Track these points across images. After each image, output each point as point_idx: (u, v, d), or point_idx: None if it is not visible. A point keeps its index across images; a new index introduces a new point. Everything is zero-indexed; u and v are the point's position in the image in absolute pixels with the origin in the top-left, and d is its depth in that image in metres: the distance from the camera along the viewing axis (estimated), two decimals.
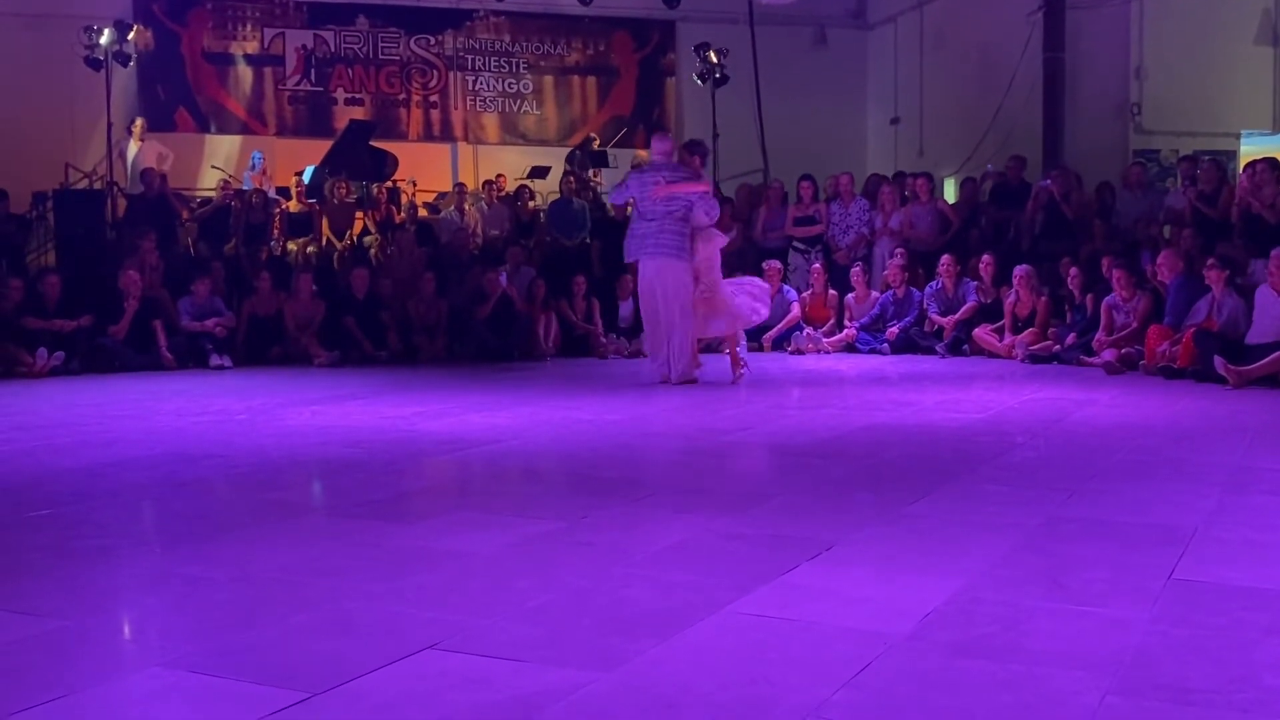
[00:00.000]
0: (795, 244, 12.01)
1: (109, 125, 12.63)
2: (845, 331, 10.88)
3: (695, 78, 14.54)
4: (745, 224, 12.32)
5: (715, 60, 14.09)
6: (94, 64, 12.62)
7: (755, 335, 11.05)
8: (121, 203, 12.35)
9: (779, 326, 11.01)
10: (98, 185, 13.07)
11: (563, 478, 4.58)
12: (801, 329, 10.92)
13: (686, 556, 3.19)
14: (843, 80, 16.73)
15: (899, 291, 10.78)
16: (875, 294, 11.04)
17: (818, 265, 11.35)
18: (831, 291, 11.20)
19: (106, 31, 12.62)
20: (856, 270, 11.09)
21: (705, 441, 5.39)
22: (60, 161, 13.20)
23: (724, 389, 7.98)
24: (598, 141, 14.97)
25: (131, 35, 12.94)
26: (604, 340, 10.83)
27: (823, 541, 3.28)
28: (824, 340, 10.79)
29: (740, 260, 11.98)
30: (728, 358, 8.38)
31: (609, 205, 13.22)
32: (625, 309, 11.17)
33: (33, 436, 5.79)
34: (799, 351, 10.67)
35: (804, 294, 11.30)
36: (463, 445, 5.33)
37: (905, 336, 10.53)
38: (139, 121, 13.34)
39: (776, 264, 11.31)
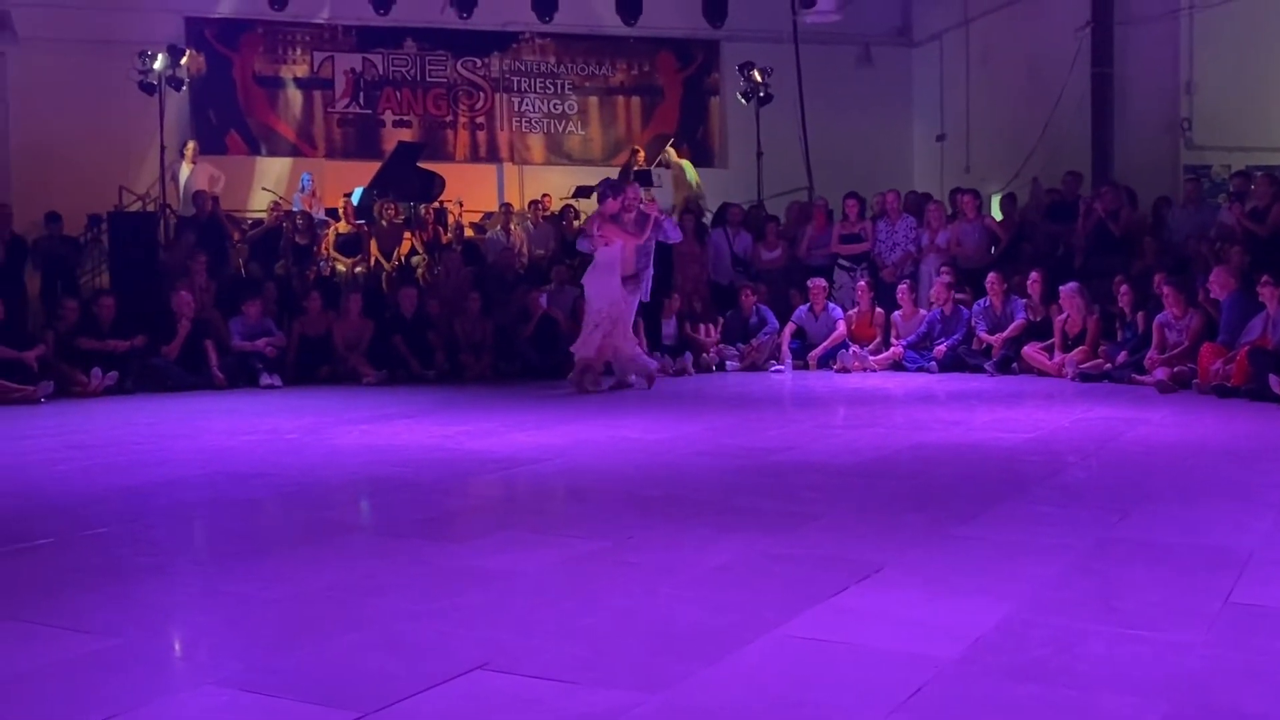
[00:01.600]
0: (841, 262, 11.96)
1: (162, 148, 12.86)
2: (892, 349, 10.80)
3: (739, 97, 14.55)
4: (790, 242, 12.28)
5: (759, 79, 14.09)
6: (147, 88, 12.87)
7: (801, 354, 11.02)
8: (174, 224, 12.55)
9: (825, 345, 10.95)
10: (151, 207, 13.30)
11: (608, 497, 4.58)
12: (847, 347, 10.85)
13: (734, 577, 3.17)
14: (888, 97, 16.66)
15: (946, 309, 10.69)
16: (922, 312, 10.95)
17: (863, 283, 11.28)
18: (878, 309, 11.12)
19: (160, 57, 12.87)
20: (903, 288, 11.01)
21: (751, 460, 5.36)
22: (114, 184, 13.44)
23: (767, 407, 7.96)
24: (642, 155, 14.94)
25: (184, 60, 13.21)
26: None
27: (872, 563, 3.25)
28: (870, 358, 10.72)
29: (786, 278, 11.97)
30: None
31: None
32: (668, 328, 11.16)
33: (87, 455, 5.89)
34: (845, 370, 10.61)
35: (850, 312, 11.23)
36: (509, 464, 5.35)
37: (953, 354, 10.43)
38: (191, 144, 13.56)
39: (822, 282, 11.27)
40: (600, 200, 8.98)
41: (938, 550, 3.45)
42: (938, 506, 4.20)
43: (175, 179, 13.21)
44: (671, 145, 15.18)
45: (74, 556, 3.55)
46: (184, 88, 13.49)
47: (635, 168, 14.63)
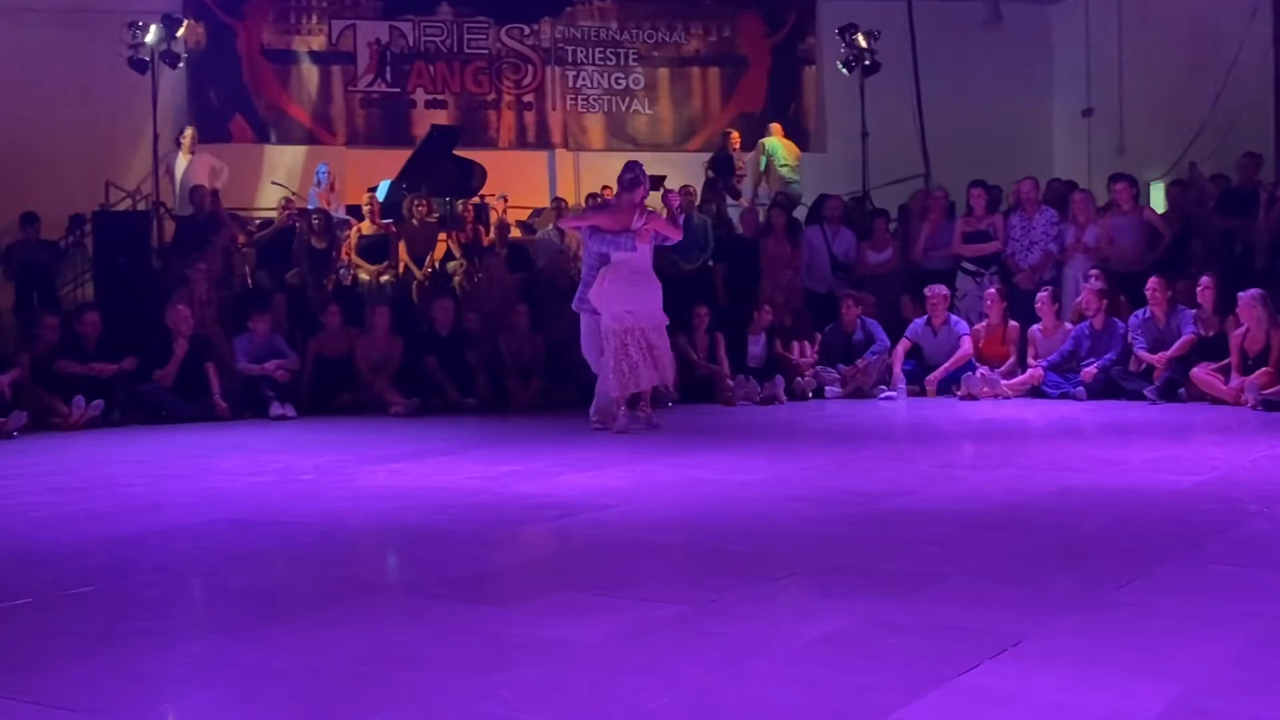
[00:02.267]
0: (965, 265, 11.86)
1: (155, 136, 13.17)
2: (1029, 372, 10.68)
3: (840, 66, 14.53)
4: (903, 242, 12.21)
5: (865, 44, 14.06)
6: (138, 65, 13.18)
7: (917, 377, 10.94)
8: (169, 226, 12.83)
9: (946, 366, 10.86)
10: (142, 206, 13.62)
11: (685, 552, 4.58)
12: (974, 369, 10.75)
13: (838, 651, 3.15)
14: (1022, 65, 16.51)
15: (1096, 322, 10.54)
16: (1067, 325, 10.82)
17: (993, 290, 11.17)
18: (1011, 323, 11.01)
19: (152, 28, 13.14)
20: (1043, 296, 10.89)
21: (857, 508, 5.33)
22: (99, 179, 13.78)
23: (876, 443, 7.90)
24: (738, 139, 14.92)
25: (181, 31, 13.50)
26: (731, 383, 10.82)
27: (1008, 635, 3.21)
28: (1002, 383, 10.60)
29: (898, 286, 11.90)
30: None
31: (736, 221, 13.28)
32: (756, 346, 11.15)
33: (69, 500, 6.02)
34: (971, 397, 10.51)
35: (976, 326, 11.13)
36: (564, 511, 5.37)
37: (1105, 378, 10.29)
38: (189, 131, 13.87)
39: (942, 290, 11.18)
40: (632, 186, 8.82)
41: (1090, 620, 3.41)
42: (1089, 566, 4.14)
43: (170, 172, 13.51)
44: (776, 126, 15.10)
45: (56, 620, 3.64)
46: (181, 64, 13.79)
47: (732, 151, 14.62)
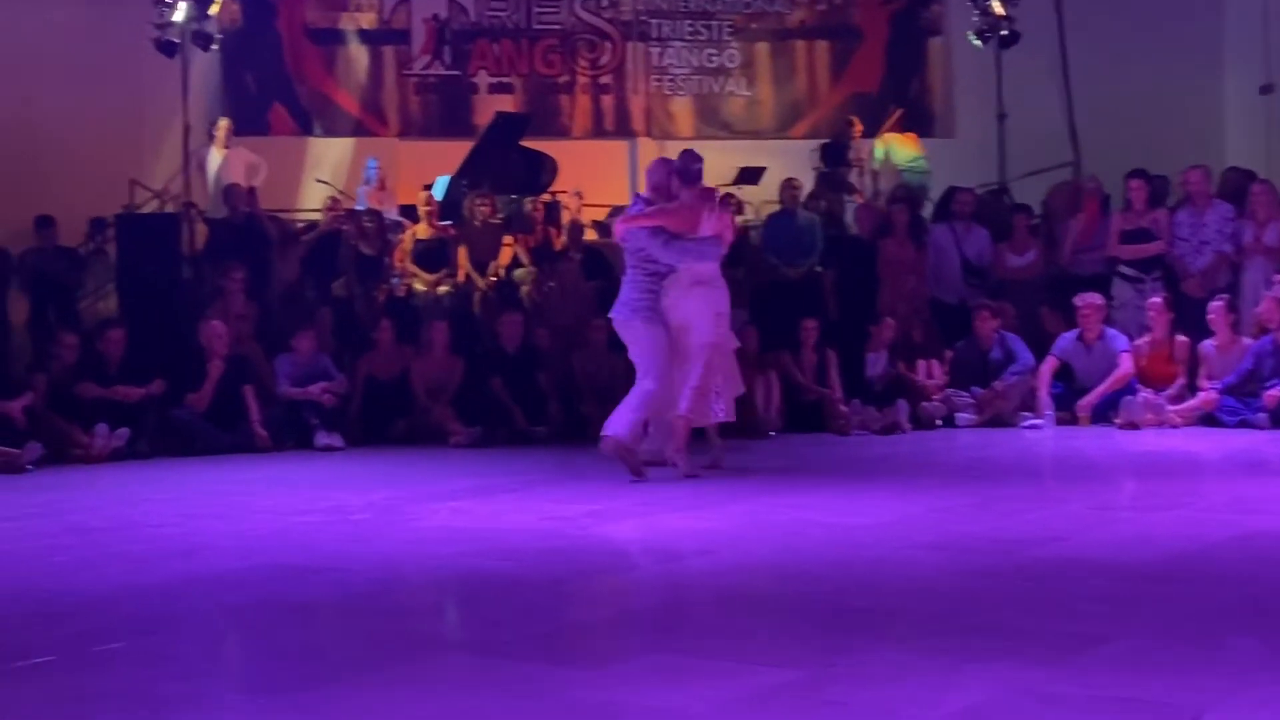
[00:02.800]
0: (1122, 269, 11.70)
1: (185, 129, 13.44)
2: (1201, 396, 10.50)
3: (971, 36, 14.44)
4: (1048, 243, 12.07)
5: (1000, 10, 13.96)
6: (166, 48, 13.44)
7: (1067, 402, 10.80)
8: (201, 230, 13.06)
9: (1102, 389, 10.72)
10: (170, 208, 13.88)
11: (797, 607, 4.54)
12: (1135, 392, 10.60)
13: None
14: (1188, 33, 16.26)
15: None
16: (1245, 340, 10.64)
17: (1158, 300, 11.01)
18: (1179, 338, 10.84)
19: (182, 5, 13.38)
20: (1217, 306, 10.71)
21: (999, 557, 5.27)
22: (123, 178, 14.05)
23: (1019, 480, 7.81)
24: (859, 128, 14.86)
25: (214, 9, 13.78)
26: (845, 409, 10.76)
27: (1188, 706, 3.16)
28: (1169, 408, 10.44)
29: (1042, 294, 11.77)
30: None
31: (850, 220, 13.22)
32: (876, 365, 11.09)
33: (92, 543, 6.13)
34: (1132, 425, 10.35)
35: (1137, 341, 10.97)
36: (655, 558, 5.38)
37: None
38: (223, 123, 14.11)
39: (1096, 298, 11.04)
40: (697, 178, 8.61)
41: None
42: (1278, 626, 4.05)
43: (203, 169, 13.75)
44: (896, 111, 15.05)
45: (80, 681, 3.68)
46: (214, 46, 14.04)
47: (853, 140, 14.56)
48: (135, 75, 14.23)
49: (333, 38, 16.20)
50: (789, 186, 13.07)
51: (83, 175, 13.76)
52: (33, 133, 14.24)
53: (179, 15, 13.32)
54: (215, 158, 13.75)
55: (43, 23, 14.46)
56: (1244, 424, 10.17)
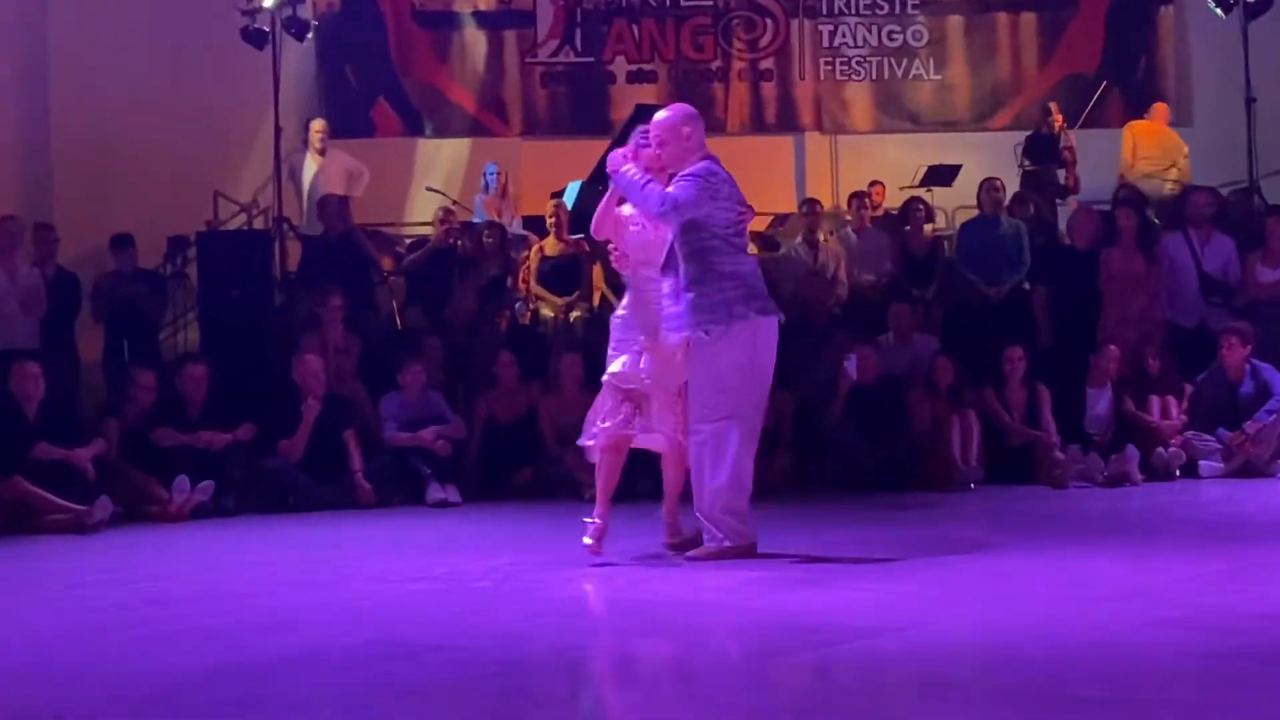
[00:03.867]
0: None
1: (276, 131, 13.68)
2: None
3: (1211, 4, 14.18)
4: None
5: None
6: (255, 39, 13.73)
7: None
8: (294, 248, 13.28)
9: None
10: (259, 223, 14.15)
11: (1008, 698, 4.44)
12: None
13: None
14: None
15: None
16: None
17: None
18: None
19: None
20: None
21: (1256, 637, 5.14)
22: (206, 190, 14.39)
23: (1275, 542, 7.61)
24: (1060, 117, 14.68)
25: None
26: (1061, 455, 10.60)
27: None
28: None
29: None
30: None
31: (1064, 229, 13.03)
32: (1099, 404, 10.93)
33: (172, 615, 6.21)
34: None
35: None
36: (831, 635, 5.30)
37: None
38: (318, 124, 14.36)
39: None
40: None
41: None
42: None
43: (295, 177, 13.99)
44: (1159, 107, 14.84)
45: None
46: (309, 36, 14.30)
47: (1056, 130, 14.41)
48: (219, 71, 14.57)
49: (446, 21, 16.43)
50: (989, 188, 12.94)
51: (160, 187, 14.14)
52: (103, 140, 14.66)
53: (269, 1, 13.55)
54: (310, 165, 13.98)
55: (117, 17, 14.82)
56: None
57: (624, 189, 7.33)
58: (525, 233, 13.49)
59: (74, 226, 13.31)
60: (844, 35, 16.74)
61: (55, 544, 8.77)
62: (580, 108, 16.53)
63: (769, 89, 16.72)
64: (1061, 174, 14.56)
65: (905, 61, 16.73)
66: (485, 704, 4.57)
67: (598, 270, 12.64)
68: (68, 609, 6.49)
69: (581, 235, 12.85)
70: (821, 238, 13.12)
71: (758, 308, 7.27)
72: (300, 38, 14.16)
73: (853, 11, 16.70)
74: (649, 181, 7.13)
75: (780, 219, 14.75)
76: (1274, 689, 4.44)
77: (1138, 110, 15.30)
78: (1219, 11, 14.07)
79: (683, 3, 16.63)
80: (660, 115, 7.43)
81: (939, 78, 16.73)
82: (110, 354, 12.36)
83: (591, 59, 16.57)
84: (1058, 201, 14.27)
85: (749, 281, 7.34)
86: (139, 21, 14.84)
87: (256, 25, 13.67)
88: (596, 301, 12.60)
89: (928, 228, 13.54)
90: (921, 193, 14.30)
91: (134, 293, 12.43)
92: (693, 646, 5.22)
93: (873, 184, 14.32)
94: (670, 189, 7.09)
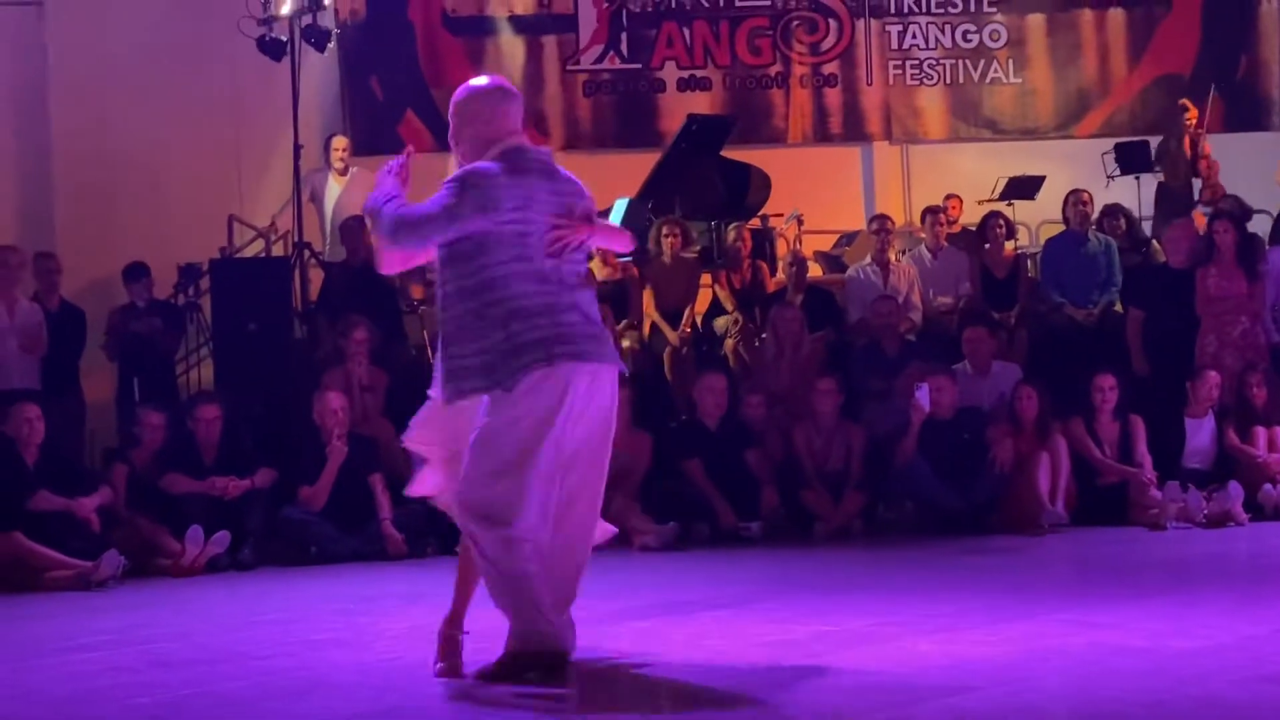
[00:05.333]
0: None
1: (296, 150, 13.76)
2: None
3: None
4: None
5: None
6: (272, 50, 13.82)
7: None
8: (317, 277, 13.34)
9: None
10: (279, 249, 14.23)
11: None
12: None
13: None
14: None
15: None
16: None
17: None
18: None
19: None
20: None
21: None
22: (220, 214, 14.48)
23: None
24: (1195, 115, 14.51)
25: None
26: (1157, 493, 10.54)
27: None
28: None
29: None
30: None
31: (1158, 248, 12.98)
32: (1200, 436, 10.88)
33: (185, 680, 6.22)
34: None
35: None
36: (909, 696, 5.29)
37: None
38: (341, 141, 14.44)
39: None
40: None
41: None
42: None
43: (317, 199, 14.07)
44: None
45: None
46: (330, 46, 14.39)
47: (1192, 133, 14.30)
48: (234, 85, 14.69)
49: (480, 27, 16.52)
50: (1076, 201, 12.92)
51: (170, 212, 14.27)
52: (108, 160, 14.77)
53: (286, 7, 13.65)
54: (332, 185, 14.05)
55: (118, 22, 14.95)
56: None
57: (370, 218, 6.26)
58: None
59: (78, 255, 13.44)
60: (914, 36, 16.76)
61: (57, 603, 8.80)
62: (627, 119, 16.58)
63: (833, 96, 16.74)
64: (1198, 185, 14.43)
65: (982, 64, 16.73)
66: None
67: (647, 295, 12.66)
68: (69, 674, 6.50)
69: (628, 257, 12.90)
70: (893, 257, 13.10)
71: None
72: (321, 48, 14.21)
73: (924, 10, 16.71)
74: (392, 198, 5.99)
75: (847, 237, 14.74)
76: None
77: (1240, 116, 15.23)
78: None
79: (738, 3, 16.67)
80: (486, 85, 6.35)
81: (1019, 81, 16.72)
82: (122, 393, 12.42)
83: (639, 66, 16.62)
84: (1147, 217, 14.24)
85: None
86: (145, 32, 14.91)
87: (274, 35, 13.74)
88: (646, 330, 12.63)
89: (1009, 245, 13.49)
90: (1002, 207, 14.27)
91: (149, 327, 12.50)
92: (752, 709, 5.20)
93: (948, 198, 14.29)
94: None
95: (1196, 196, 14.40)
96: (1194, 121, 14.35)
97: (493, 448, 5.64)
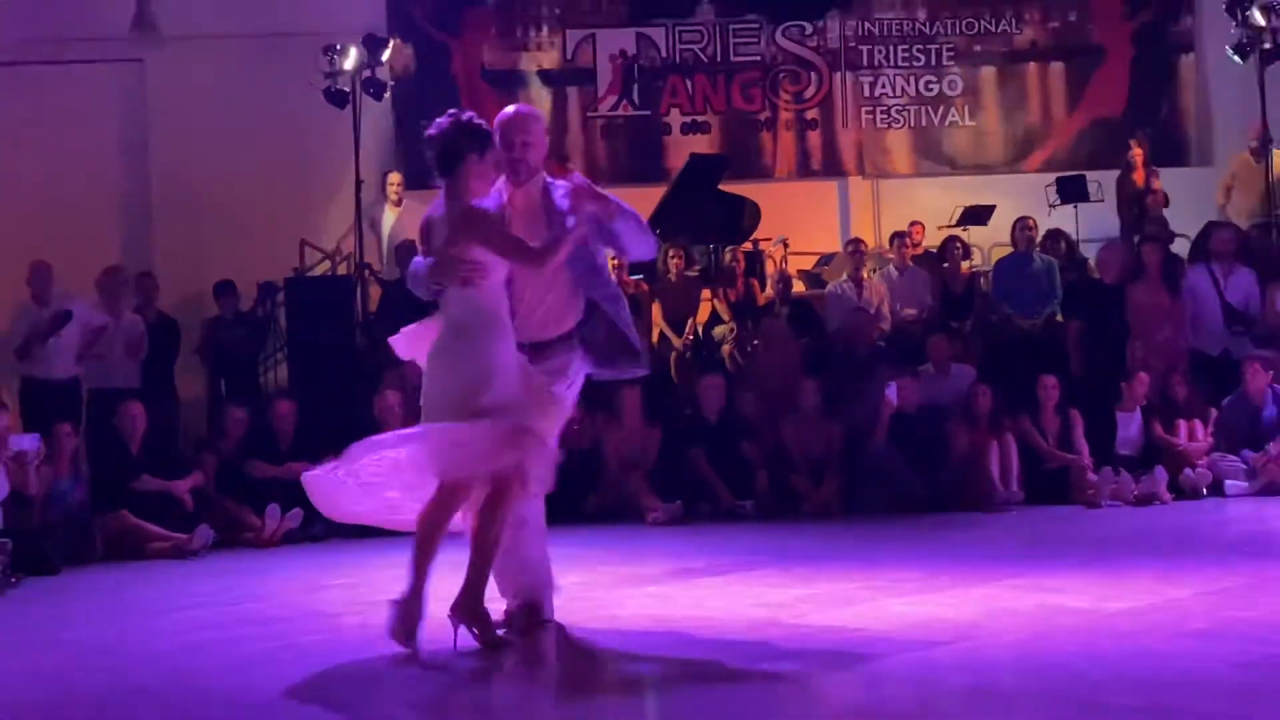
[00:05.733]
0: None
1: (357, 184, 13.83)
2: None
3: (1230, 52, 14.11)
4: None
5: (1264, 22, 13.61)
6: (336, 98, 13.89)
7: None
8: (376, 293, 13.38)
9: None
10: (343, 269, 14.27)
11: (1050, 708, 4.44)
12: None
13: None
14: None
15: None
16: None
17: None
18: None
19: (352, 51, 13.88)
20: None
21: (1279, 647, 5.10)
22: (293, 239, 14.50)
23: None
24: (1140, 154, 14.52)
25: (386, 54, 14.21)
26: (1094, 477, 10.54)
27: None
28: None
29: None
30: None
31: (1093, 262, 12.99)
32: (1128, 427, 10.87)
33: (270, 635, 6.28)
34: None
35: None
36: (881, 649, 5.30)
37: None
38: (395, 177, 14.47)
39: None
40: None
41: None
42: None
43: (376, 227, 14.12)
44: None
45: None
46: (386, 95, 14.44)
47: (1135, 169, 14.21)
48: (304, 129, 14.67)
49: (512, 80, 16.51)
50: (1022, 227, 12.92)
51: (251, 237, 14.24)
52: (198, 194, 14.82)
53: (349, 63, 13.73)
54: (388, 215, 14.10)
55: (206, 77, 15.02)
56: None
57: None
58: None
59: (173, 275, 13.52)
60: (883, 86, 16.71)
61: (158, 570, 8.87)
62: (638, 157, 16.56)
63: (814, 137, 16.70)
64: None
65: (941, 109, 16.67)
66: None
67: (656, 308, 12.70)
68: (174, 631, 6.58)
69: (639, 276, 12.93)
70: (865, 275, 13.10)
71: None
72: (378, 97, 14.28)
73: (891, 64, 16.67)
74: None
75: (826, 258, 14.73)
76: None
77: (1163, 153, 15.21)
78: (1237, 59, 13.98)
79: (732, 59, 16.65)
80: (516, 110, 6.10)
81: (973, 124, 16.66)
82: (211, 392, 12.51)
83: (648, 112, 16.60)
84: (1085, 238, 14.20)
85: None
86: (229, 85, 14.95)
87: (338, 86, 13.83)
88: (655, 338, 12.65)
89: (965, 265, 13.50)
90: (958, 232, 14.26)
91: (235, 336, 12.63)
92: (743, 659, 5.23)
93: (912, 224, 14.27)
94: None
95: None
96: (1141, 159, 14.31)
97: None
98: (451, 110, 6.03)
